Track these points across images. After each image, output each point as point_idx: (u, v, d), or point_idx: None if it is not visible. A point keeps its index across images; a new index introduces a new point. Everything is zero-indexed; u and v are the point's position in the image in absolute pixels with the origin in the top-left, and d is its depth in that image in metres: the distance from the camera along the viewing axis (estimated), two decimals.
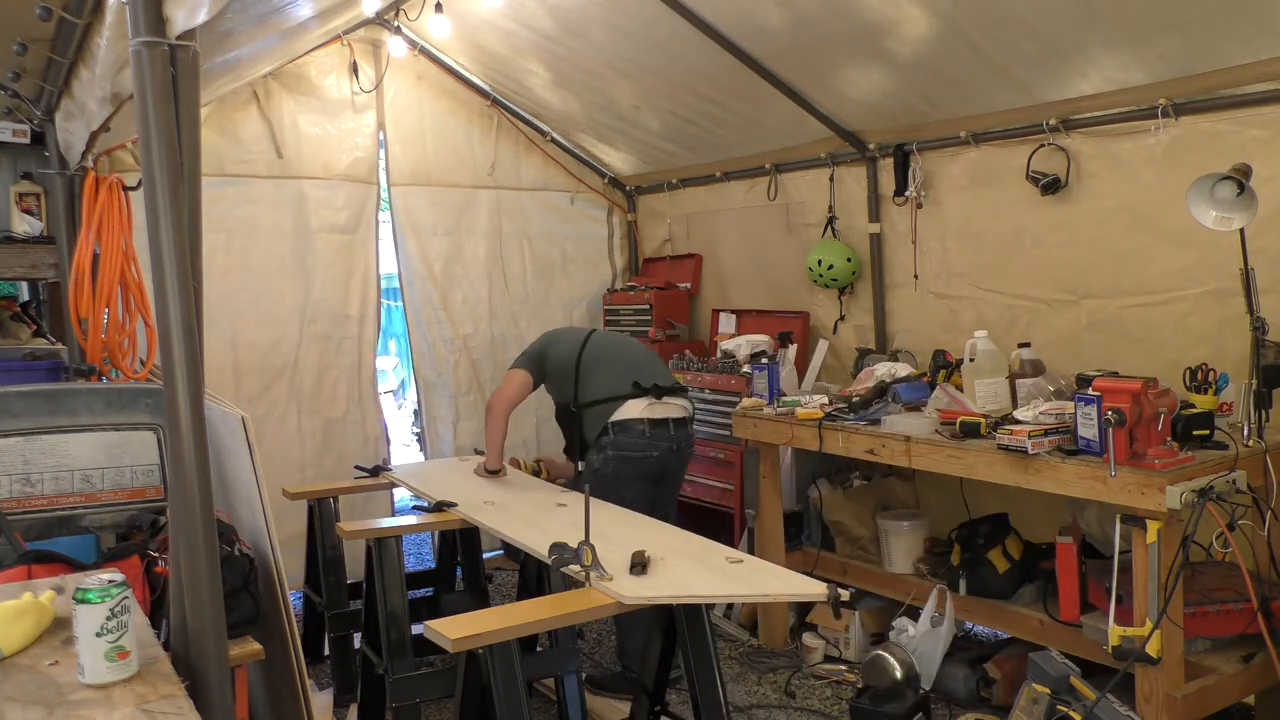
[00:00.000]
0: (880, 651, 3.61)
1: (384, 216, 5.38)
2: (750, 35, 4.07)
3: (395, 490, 4.84)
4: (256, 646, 2.17)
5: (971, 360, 3.59)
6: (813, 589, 2.53)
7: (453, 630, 2.32)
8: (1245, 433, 2.97)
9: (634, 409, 3.81)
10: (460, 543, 4.19)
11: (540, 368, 4.04)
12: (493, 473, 3.99)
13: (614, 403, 3.82)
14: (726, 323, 5.47)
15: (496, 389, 4.09)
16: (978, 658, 3.72)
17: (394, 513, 5.24)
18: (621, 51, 4.50)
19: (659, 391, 3.86)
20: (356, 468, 4.40)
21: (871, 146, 4.51)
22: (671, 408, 3.87)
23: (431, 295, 5.46)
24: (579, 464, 4.05)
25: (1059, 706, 2.70)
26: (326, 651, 3.98)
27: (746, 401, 4.32)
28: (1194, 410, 2.96)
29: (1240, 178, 2.88)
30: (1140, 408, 2.79)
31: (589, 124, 5.49)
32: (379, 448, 5.21)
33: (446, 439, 5.51)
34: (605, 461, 3.80)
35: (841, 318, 4.84)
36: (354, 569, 4.12)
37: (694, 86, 4.62)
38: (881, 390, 3.90)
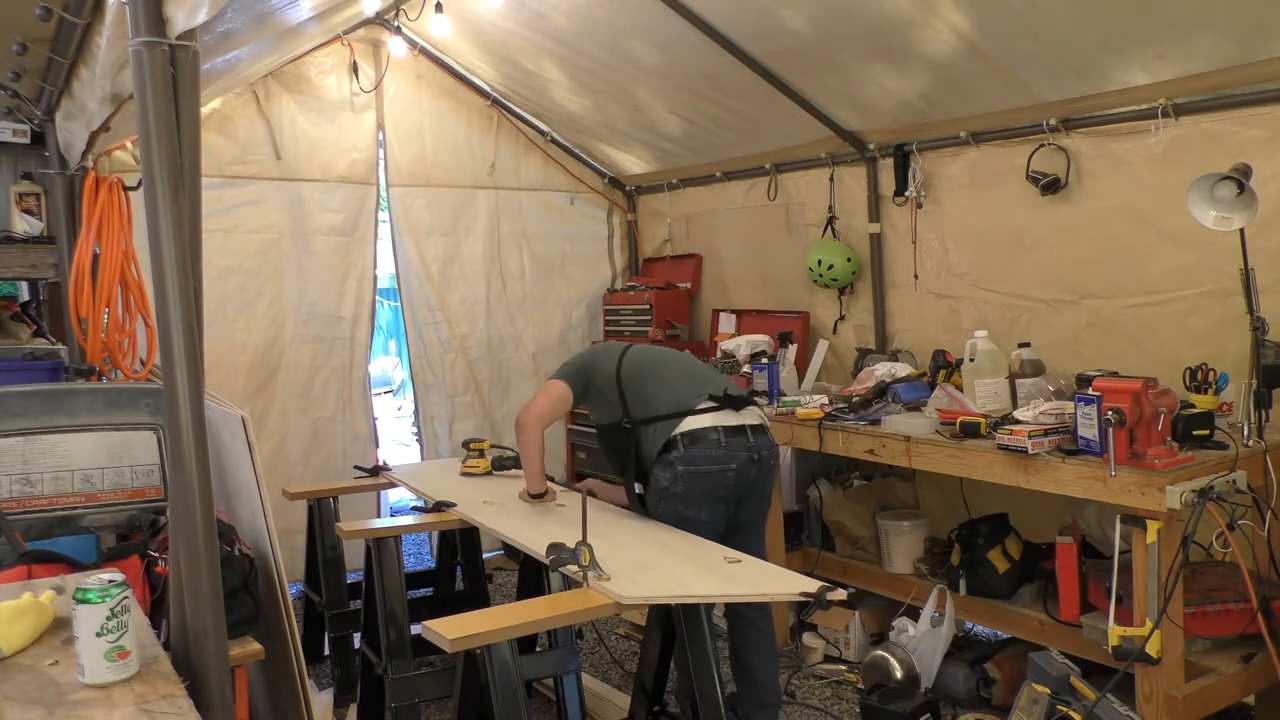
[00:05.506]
0: (880, 652, 3.62)
1: (383, 216, 5.38)
2: (751, 37, 4.07)
3: (388, 491, 4.84)
4: (256, 646, 2.17)
5: (971, 360, 3.59)
6: (812, 589, 2.54)
7: (450, 630, 2.32)
8: (1245, 433, 2.97)
9: (705, 418, 3.28)
10: (460, 543, 4.19)
11: (585, 382, 3.50)
12: (537, 497, 3.47)
13: (682, 417, 3.29)
14: (726, 323, 5.47)
15: (528, 402, 3.55)
16: (978, 658, 3.71)
17: (381, 513, 5.23)
18: (624, 52, 4.50)
19: (734, 402, 3.34)
20: (356, 467, 4.40)
21: (871, 146, 4.51)
22: (747, 415, 3.35)
23: (429, 296, 5.46)
24: (636, 486, 3.47)
25: (1059, 706, 2.70)
26: (326, 651, 3.98)
27: None
28: (1194, 410, 2.95)
29: (1240, 178, 2.88)
30: (1140, 408, 2.79)
31: (595, 124, 5.48)
32: (367, 448, 5.21)
33: (443, 439, 5.50)
34: (674, 479, 3.22)
35: (841, 318, 4.84)
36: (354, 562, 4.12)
37: (694, 87, 4.62)
38: (881, 390, 3.90)
